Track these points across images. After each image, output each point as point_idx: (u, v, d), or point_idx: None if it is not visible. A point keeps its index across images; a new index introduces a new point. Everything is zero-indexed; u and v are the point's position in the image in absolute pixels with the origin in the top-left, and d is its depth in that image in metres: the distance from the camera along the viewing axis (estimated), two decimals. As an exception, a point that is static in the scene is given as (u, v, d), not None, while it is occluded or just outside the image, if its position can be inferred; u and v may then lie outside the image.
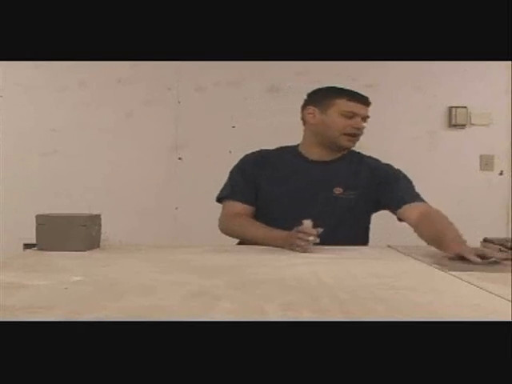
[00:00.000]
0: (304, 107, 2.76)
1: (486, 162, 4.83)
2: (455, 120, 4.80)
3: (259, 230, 2.54)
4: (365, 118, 2.66)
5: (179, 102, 4.88)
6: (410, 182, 2.72)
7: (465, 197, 4.76)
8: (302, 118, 2.78)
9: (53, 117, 4.85)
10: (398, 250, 2.36)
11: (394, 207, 2.63)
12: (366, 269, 1.88)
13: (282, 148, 2.83)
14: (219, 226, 2.75)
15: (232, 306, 1.26)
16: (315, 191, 2.65)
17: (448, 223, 2.36)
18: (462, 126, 4.82)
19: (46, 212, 2.29)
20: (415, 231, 2.49)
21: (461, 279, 1.63)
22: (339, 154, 2.73)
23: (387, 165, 2.77)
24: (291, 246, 2.29)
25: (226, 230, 2.72)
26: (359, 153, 2.80)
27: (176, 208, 4.86)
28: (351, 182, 2.67)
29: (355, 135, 2.64)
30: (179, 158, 4.87)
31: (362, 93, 2.68)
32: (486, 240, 2.38)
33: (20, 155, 4.84)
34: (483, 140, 4.82)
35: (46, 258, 2.00)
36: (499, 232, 2.69)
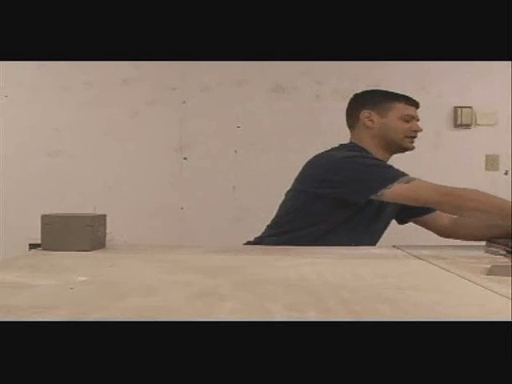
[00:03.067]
0: (358, 111, 2.75)
1: (492, 162, 4.83)
2: (460, 120, 4.81)
3: (497, 199, 2.46)
4: (418, 120, 2.72)
5: (184, 102, 4.89)
6: None
7: (470, 197, 4.75)
8: (350, 122, 2.79)
9: (57, 117, 4.86)
10: (403, 250, 2.36)
11: (418, 214, 2.80)
12: (371, 269, 1.88)
13: (351, 147, 2.76)
14: (432, 196, 2.49)
15: (237, 306, 1.26)
16: None
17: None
18: (468, 125, 4.82)
19: (51, 212, 2.29)
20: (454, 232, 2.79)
21: (467, 279, 1.62)
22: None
23: None
24: None
25: (445, 194, 2.47)
26: None
27: (181, 208, 4.86)
28: None
29: (414, 136, 2.70)
30: (184, 158, 4.88)
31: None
32: (490, 240, 2.37)
33: (25, 155, 4.85)
34: (488, 140, 4.82)
35: (51, 258, 2.01)
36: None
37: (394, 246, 2.49)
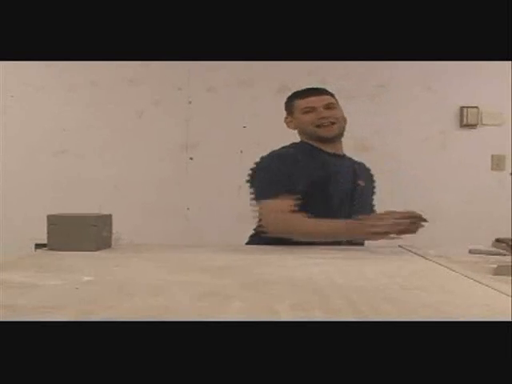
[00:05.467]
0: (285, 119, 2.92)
1: (498, 162, 4.82)
2: (466, 120, 4.80)
3: (310, 223, 2.49)
4: (328, 105, 2.75)
5: (190, 102, 4.89)
6: None
7: (476, 197, 4.75)
8: None
9: (63, 117, 4.87)
10: (408, 250, 2.36)
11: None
12: (376, 269, 1.88)
13: (299, 144, 2.83)
14: (266, 227, 2.58)
15: (243, 306, 1.26)
16: (347, 183, 2.71)
17: None
18: (474, 126, 4.81)
19: (57, 212, 2.29)
20: None
21: (472, 279, 1.62)
22: (341, 150, 2.82)
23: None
24: (364, 234, 2.36)
25: (274, 230, 2.55)
26: None
27: (187, 208, 4.87)
28: (362, 175, 2.80)
29: (326, 124, 2.73)
30: (190, 158, 4.88)
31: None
32: (498, 240, 2.37)
33: (31, 155, 4.86)
34: (494, 140, 4.81)
35: (56, 258, 2.01)
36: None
37: (399, 246, 2.49)
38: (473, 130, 4.84)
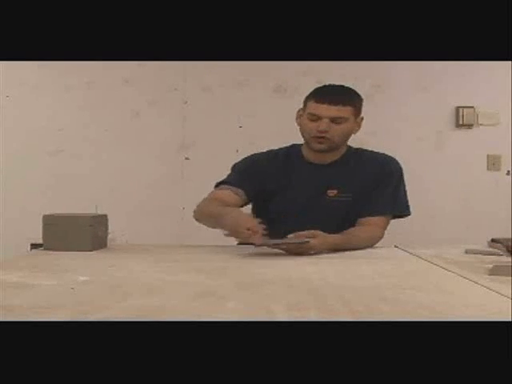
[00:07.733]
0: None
1: (493, 162, 4.82)
2: (462, 120, 4.79)
3: (215, 207, 2.53)
4: (335, 119, 2.53)
5: (186, 102, 4.88)
6: (396, 189, 2.64)
7: (472, 197, 4.75)
8: None
9: (59, 117, 4.86)
10: (404, 250, 2.36)
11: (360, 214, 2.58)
12: (372, 269, 1.88)
13: (290, 147, 2.78)
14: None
15: (238, 306, 1.26)
16: (309, 194, 2.61)
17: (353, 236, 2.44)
18: (469, 126, 4.81)
19: (53, 212, 2.29)
20: None
21: (468, 279, 1.62)
22: (336, 156, 2.66)
23: (392, 165, 2.68)
24: (236, 234, 2.25)
25: (196, 211, 2.68)
26: (366, 151, 2.73)
27: (183, 208, 4.86)
28: (348, 184, 2.60)
29: (322, 138, 2.55)
30: (186, 158, 4.87)
31: (347, 84, 2.63)
32: (493, 240, 2.37)
33: (26, 155, 4.84)
34: (490, 140, 4.81)
35: (52, 258, 2.01)
36: (506, 232, 2.69)
37: (395, 246, 2.49)
38: (469, 130, 4.83)
